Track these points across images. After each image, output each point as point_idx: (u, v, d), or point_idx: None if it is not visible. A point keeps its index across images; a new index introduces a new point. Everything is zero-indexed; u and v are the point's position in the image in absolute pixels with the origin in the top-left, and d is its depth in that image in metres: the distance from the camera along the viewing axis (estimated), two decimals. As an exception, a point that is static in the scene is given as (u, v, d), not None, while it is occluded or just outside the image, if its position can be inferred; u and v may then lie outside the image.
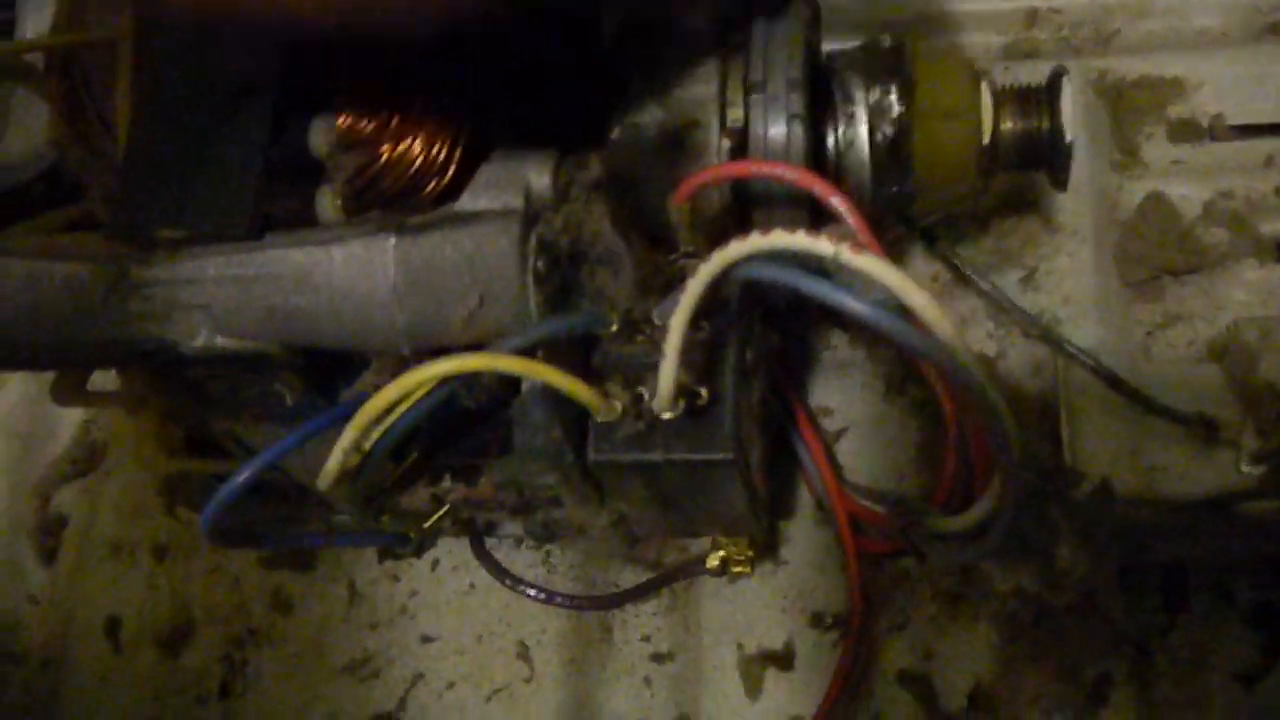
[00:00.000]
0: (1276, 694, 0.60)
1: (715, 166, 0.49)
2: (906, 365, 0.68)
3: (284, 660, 0.72)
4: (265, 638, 0.73)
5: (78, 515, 0.80)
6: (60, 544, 0.79)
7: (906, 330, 0.40)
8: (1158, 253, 0.68)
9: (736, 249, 0.42)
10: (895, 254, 0.71)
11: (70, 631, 0.76)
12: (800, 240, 0.40)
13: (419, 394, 0.46)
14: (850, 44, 0.59)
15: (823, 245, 0.40)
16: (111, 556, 0.77)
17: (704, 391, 0.49)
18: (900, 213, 0.59)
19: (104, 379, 0.67)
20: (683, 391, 0.48)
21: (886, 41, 0.57)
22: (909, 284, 0.40)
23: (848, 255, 0.40)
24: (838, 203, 0.47)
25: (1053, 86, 0.58)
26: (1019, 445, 0.43)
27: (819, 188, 0.47)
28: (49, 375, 0.61)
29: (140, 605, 0.75)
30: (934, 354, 0.41)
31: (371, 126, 0.49)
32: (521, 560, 0.69)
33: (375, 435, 0.47)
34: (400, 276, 0.47)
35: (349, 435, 0.46)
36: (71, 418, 0.83)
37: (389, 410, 0.46)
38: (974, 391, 0.42)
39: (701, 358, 0.48)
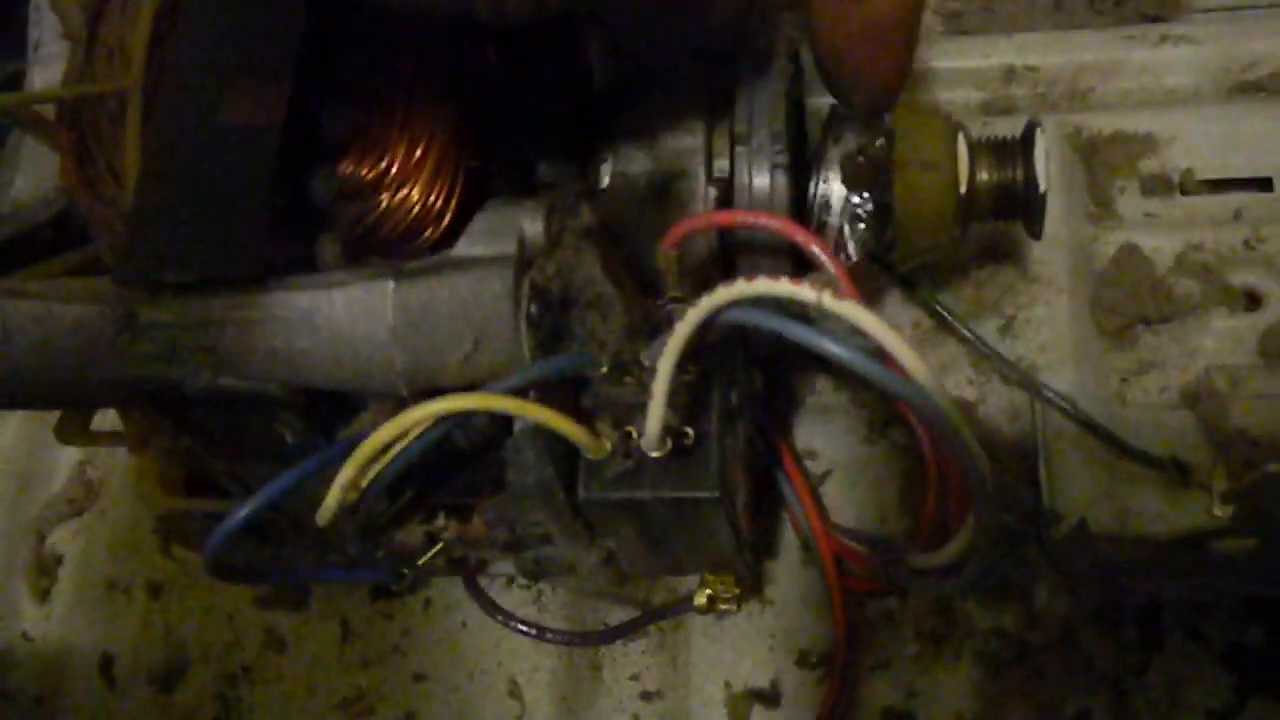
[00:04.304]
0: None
1: (701, 215, 0.50)
2: (888, 408, 0.70)
3: (277, 698, 0.73)
4: (258, 675, 0.74)
5: (73, 553, 0.81)
6: (55, 582, 0.80)
7: (884, 373, 0.42)
8: (1132, 302, 0.70)
9: (722, 294, 0.43)
10: (878, 301, 0.73)
11: (64, 669, 0.77)
12: (783, 287, 0.42)
13: (415, 432, 0.47)
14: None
15: (805, 292, 0.42)
16: (106, 594, 0.78)
17: (690, 431, 0.50)
18: (880, 261, 0.61)
19: (104, 420, 0.69)
20: (670, 431, 0.49)
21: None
22: (886, 329, 0.42)
23: (829, 301, 0.41)
24: (817, 251, 0.49)
25: (1026, 139, 0.60)
26: (990, 482, 0.45)
27: (800, 236, 0.49)
28: (47, 415, 0.62)
29: (134, 643, 0.76)
30: (910, 396, 0.42)
31: (371, 175, 0.50)
32: (513, 599, 0.71)
33: (372, 472, 0.49)
34: (398, 320, 0.49)
35: (347, 471, 0.48)
36: (68, 457, 0.84)
37: (386, 448, 0.48)
38: (947, 431, 0.43)
39: (688, 399, 0.50)
